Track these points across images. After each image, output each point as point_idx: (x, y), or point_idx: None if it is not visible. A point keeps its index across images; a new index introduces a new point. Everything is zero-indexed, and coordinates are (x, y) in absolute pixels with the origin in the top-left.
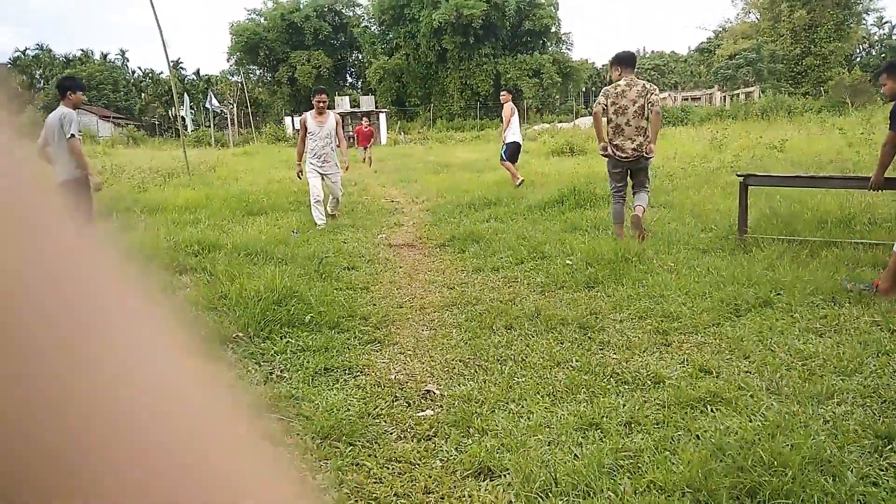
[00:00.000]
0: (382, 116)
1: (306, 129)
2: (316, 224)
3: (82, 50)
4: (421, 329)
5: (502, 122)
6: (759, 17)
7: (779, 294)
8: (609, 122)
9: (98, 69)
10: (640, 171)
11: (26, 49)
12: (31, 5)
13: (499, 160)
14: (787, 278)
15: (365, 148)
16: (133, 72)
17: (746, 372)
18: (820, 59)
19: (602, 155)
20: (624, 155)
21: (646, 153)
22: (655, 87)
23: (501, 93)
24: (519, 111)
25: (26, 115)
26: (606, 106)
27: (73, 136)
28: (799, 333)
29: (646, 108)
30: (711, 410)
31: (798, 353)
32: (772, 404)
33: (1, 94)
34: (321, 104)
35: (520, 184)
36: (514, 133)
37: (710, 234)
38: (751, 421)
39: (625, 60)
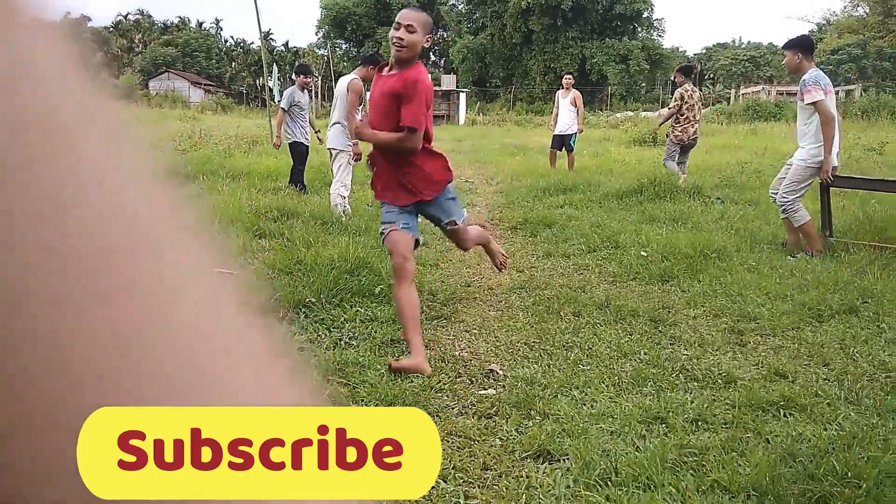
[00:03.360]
0: (462, 96)
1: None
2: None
3: (180, 17)
4: (487, 309)
5: (575, 108)
6: (867, 11)
7: (866, 302)
8: None
9: (193, 36)
10: None
11: (128, 14)
12: None
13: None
14: (877, 286)
15: None
16: (225, 41)
17: (825, 379)
18: None
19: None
20: None
21: None
22: None
23: (568, 77)
24: (603, 98)
25: (124, 77)
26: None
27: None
28: (885, 344)
29: None
30: (784, 415)
31: (882, 364)
32: (849, 414)
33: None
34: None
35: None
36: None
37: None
38: (825, 429)
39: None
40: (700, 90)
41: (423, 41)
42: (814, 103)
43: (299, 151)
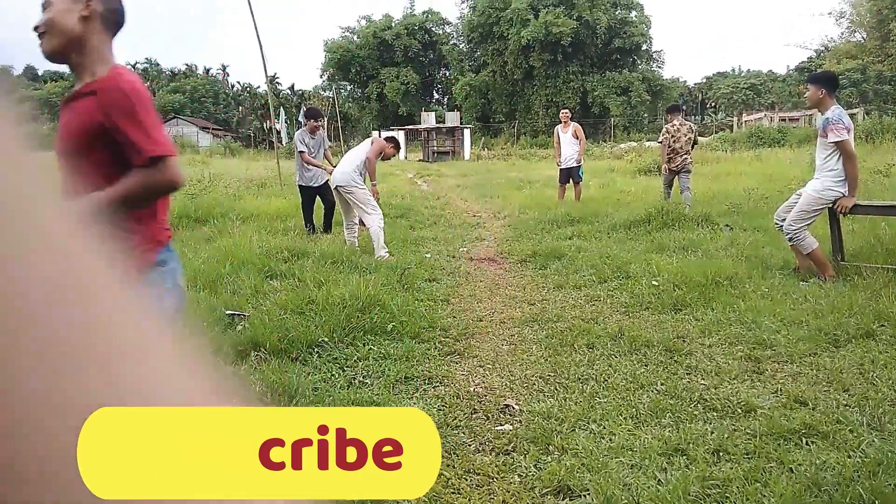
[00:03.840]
0: (467, 132)
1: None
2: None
3: (187, 64)
4: (500, 343)
5: (577, 140)
6: (865, 36)
7: (882, 326)
8: None
9: (200, 83)
10: None
11: (136, 63)
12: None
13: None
14: (893, 309)
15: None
16: (232, 86)
17: (845, 405)
18: None
19: None
20: None
21: None
22: None
23: (565, 112)
24: (606, 129)
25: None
26: None
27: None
28: None
29: None
30: (806, 443)
31: None
32: (873, 441)
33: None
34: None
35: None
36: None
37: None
38: (849, 457)
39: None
40: (702, 119)
41: (78, 9)
42: (838, 142)
43: (307, 194)
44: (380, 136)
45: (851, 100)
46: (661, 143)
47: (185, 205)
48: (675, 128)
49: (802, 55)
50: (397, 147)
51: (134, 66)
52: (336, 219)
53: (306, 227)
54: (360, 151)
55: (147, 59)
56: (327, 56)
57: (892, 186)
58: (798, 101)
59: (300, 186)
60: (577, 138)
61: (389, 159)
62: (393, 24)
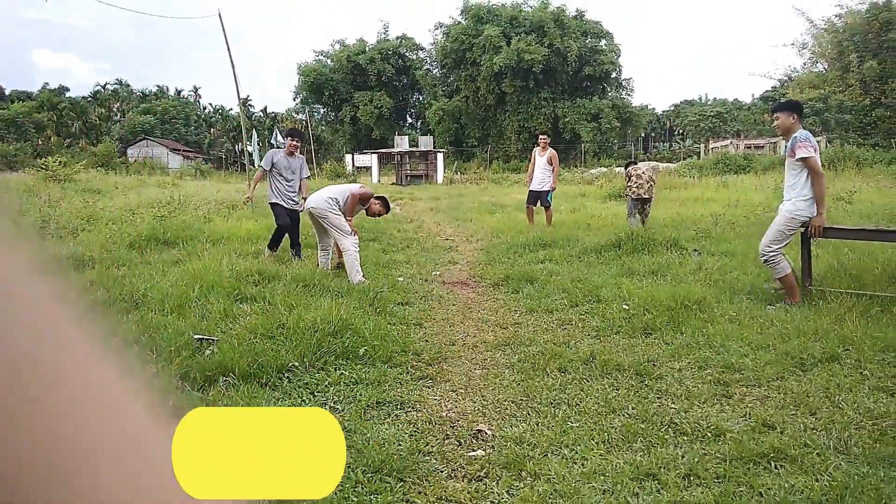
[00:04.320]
0: (440, 156)
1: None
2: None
3: (158, 86)
4: (473, 367)
5: (551, 166)
6: (826, 67)
7: (847, 350)
8: None
9: (171, 104)
10: None
11: (106, 83)
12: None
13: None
14: (857, 333)
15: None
16: (204, 108)
17: (812, 429)
18: (891, 111)
19: None
20: None
21: None
22: None
23: (544, 137)
24: (576, 155)
25: (102, 144)
26: None
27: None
28: (869, 391)
29: None
30: (775, 467)
31: (868, 411)
32: (840, 464)
33: None
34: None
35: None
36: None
37: (774, 285)
38: (817, 480)
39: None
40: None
41: None
42: (804, 159)
43: (277, 213)
44: (352, 160)
45: (814, 128)
46: (626, 194)
47: (153, 227)
48: (636, 171)
49: (767, 84)
50: (385, 207)
51: (104, 87)
52: (308, 241)
53: (294, 251)
54: (344, 187)
55: (118, 79)
56: (301, 79)
57: (854, 212)
58: (763, 129)
59: (272, 204)
60: (552, 164)
61: (375, 216)
62: (367, 49)
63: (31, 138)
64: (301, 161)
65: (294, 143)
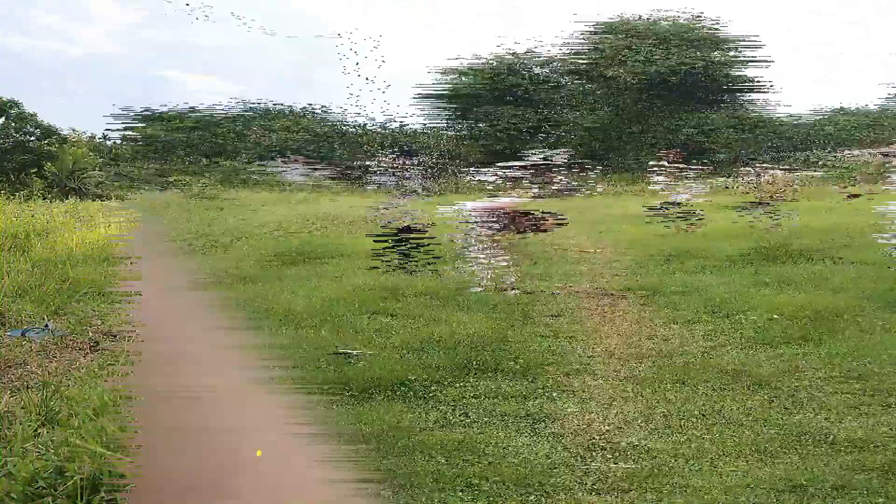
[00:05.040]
0: (584, 170)
1: None
2: None
3: (289, 105)
4: (616, 379)
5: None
6: None
7: None
8: None
9: (309, 121)
10: None
11: (246, 102)
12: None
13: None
14: None
15: None
16: (343, 124)
17: None
18: None
19: None
20: None
21: None
22: None
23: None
24: (718, 164)
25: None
26: None
27: None
28: None
29: None
30: None
31: None
32: None
33: None
34: None
35: None
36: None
37: None
38: None
39: None
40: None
41: None
42: None
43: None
44: (488, 174)
45: None
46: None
47: (301, 242)
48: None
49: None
50: (535, 222)
51: (244, 109)
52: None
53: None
54: (492, 201)
55: (258, 98)
56: (433, 94)
57: None
58: None
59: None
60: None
61: (523, 232)
62: (502, 62)
63: (175, 158)
64: (415, 175)
65: (409, 161)
